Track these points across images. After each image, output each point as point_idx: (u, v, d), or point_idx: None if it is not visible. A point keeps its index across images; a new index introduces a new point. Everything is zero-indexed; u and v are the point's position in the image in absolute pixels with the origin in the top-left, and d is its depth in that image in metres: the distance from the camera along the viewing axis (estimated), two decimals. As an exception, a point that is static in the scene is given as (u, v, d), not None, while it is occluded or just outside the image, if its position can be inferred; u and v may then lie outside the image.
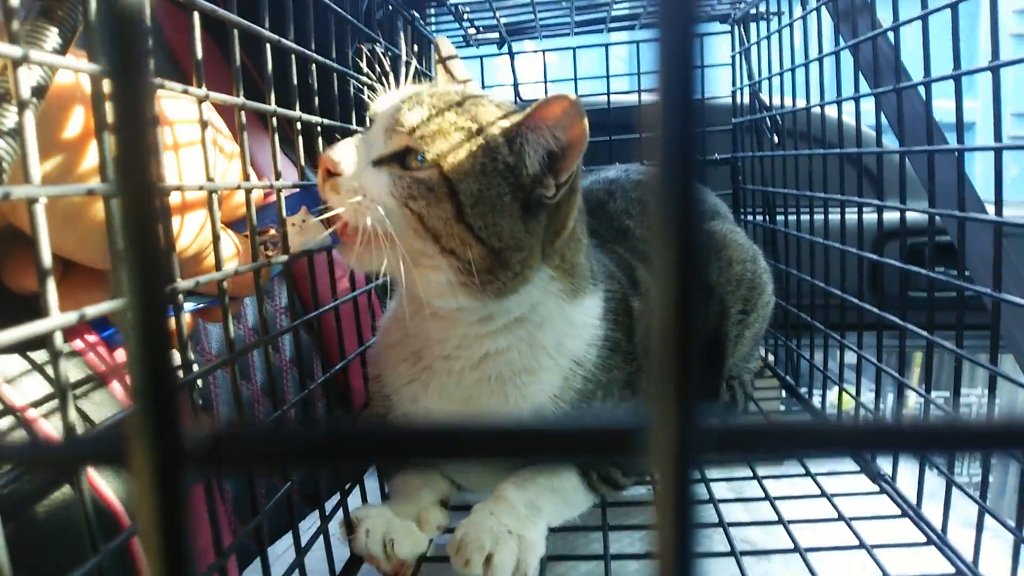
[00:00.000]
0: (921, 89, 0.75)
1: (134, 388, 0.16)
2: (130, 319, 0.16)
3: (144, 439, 0.16)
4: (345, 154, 0.64)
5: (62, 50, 0.41)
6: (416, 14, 1.12)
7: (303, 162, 0.76)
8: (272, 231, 0.66)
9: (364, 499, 0.81)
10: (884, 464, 0.85)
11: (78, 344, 0.58)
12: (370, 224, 0.63)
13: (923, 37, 0.71)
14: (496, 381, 0.72)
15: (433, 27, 1.32)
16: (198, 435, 0.15)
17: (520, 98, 1.46)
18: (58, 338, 0.36)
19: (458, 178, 0.63)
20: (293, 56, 0.65)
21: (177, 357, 0.65)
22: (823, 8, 0.98)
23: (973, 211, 0.71)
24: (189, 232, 0.57)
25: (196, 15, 0.50)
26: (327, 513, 0.71)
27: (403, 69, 0.76)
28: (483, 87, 1.44)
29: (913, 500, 0.77)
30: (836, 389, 1.04)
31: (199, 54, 0.50)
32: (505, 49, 1.42)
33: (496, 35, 1.38)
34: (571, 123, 0.63)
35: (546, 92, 1.48)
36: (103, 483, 0.52)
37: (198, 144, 0.53)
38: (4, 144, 0.37)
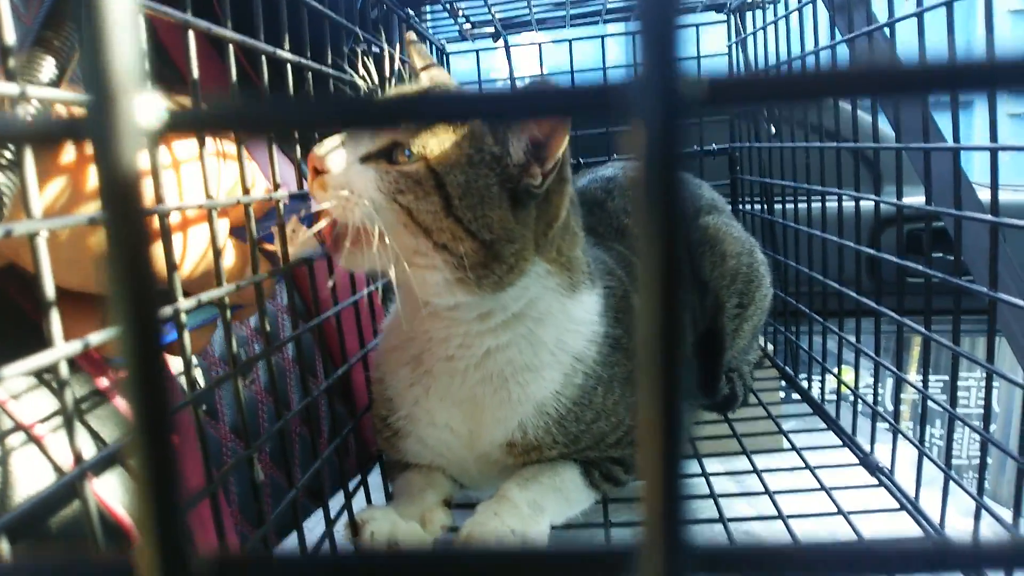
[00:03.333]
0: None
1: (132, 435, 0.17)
2: (125, 356, 0.17)
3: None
4: (331, 151, 0.64)
5: (58, 80, 0.41)
6: (411, 12, 1.12)
7: (300, 157, 0.75)
8: (265, 245, 0.66)
9: (368, 499, 0.82)
10: (882, 456, 0.86)
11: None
12: (359, 219, 0.63)
13: (918, 33, 0.71)
14: (498, 379, 0.73)
15: (429, 23, 1.32)
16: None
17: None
18: (63, 368, 0.37)
19: (445, 170, 0.63)
20: (289, 65, 0.65)
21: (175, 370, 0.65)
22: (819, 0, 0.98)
23: (969, 205, 0.71)
24: (197, 248, 0.57)
25: (191, 34, 0.50)
26: (332, 516, 0.72)
27: (396, 67, 0.76)
28: (480, 81, 1.44)
29: (912, 492, 0.78)
30: (835, 375, 1.05)
31: (195, 73, 0.50)
32: (501, 43, 1.41)
33: (491, 29, 1.38)
34: None
35: (543, 83, 1.48)
36: (111, 497, 0.53)
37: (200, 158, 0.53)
38: (3, 178, 0.38)
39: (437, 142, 0.63)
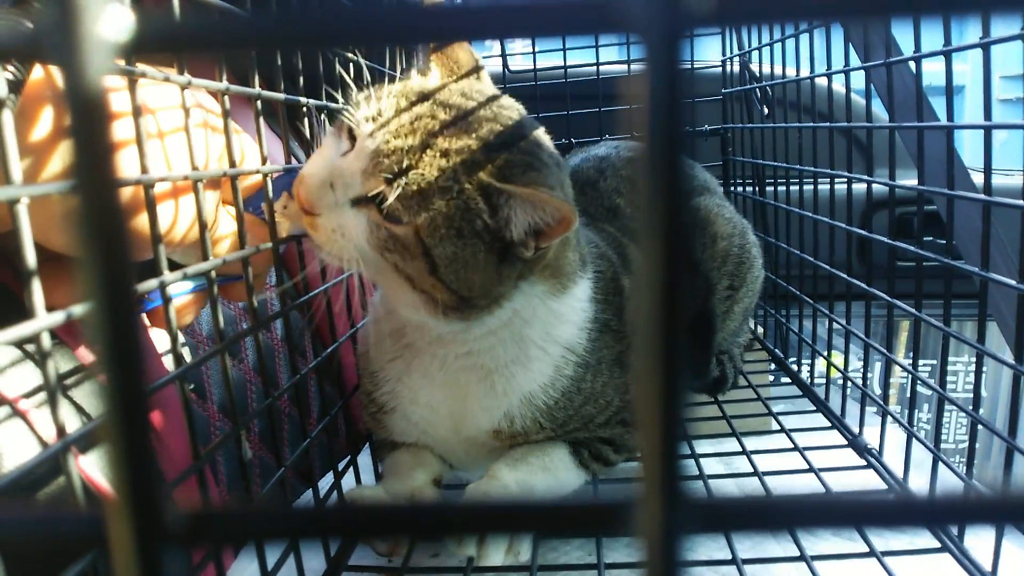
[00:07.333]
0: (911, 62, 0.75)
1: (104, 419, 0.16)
2: (95, 329, 0.16)
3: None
4: (319, 196, 0.63)
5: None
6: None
7: (287, 134, 0.74)
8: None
9: (358, 479, 0.81)
10: (871, 438, 0.86)
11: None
12: (348, 261, 0.63)
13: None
14: (482, 370, 0.72)
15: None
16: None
17: (509, 69, 1.44)
18: (45, 339, 0.36)
19: (433, 242, 0.62)
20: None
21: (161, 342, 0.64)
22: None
23: (962, 186, 0.71)
24: (188, 217, 0.56)
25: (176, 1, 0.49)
26: (322, 495, 0.72)
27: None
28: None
29: (900, 474, 0.78)
30: (825, 357, 1.05)
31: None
32: None
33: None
34: (560, 213, 0.62)
35: (534, 62, 1.46)
36: (93, 470, 0.52)
37: (186, 129, 0.52)
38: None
39: (429, 213, 0.61)
